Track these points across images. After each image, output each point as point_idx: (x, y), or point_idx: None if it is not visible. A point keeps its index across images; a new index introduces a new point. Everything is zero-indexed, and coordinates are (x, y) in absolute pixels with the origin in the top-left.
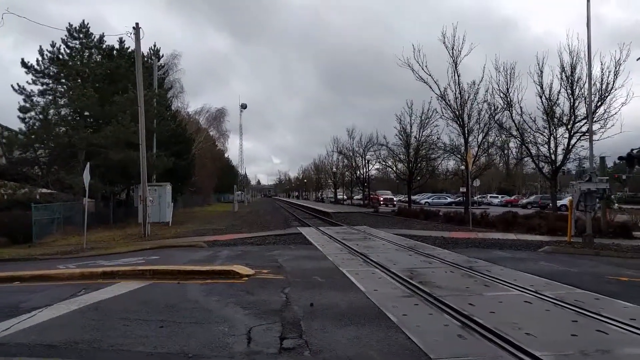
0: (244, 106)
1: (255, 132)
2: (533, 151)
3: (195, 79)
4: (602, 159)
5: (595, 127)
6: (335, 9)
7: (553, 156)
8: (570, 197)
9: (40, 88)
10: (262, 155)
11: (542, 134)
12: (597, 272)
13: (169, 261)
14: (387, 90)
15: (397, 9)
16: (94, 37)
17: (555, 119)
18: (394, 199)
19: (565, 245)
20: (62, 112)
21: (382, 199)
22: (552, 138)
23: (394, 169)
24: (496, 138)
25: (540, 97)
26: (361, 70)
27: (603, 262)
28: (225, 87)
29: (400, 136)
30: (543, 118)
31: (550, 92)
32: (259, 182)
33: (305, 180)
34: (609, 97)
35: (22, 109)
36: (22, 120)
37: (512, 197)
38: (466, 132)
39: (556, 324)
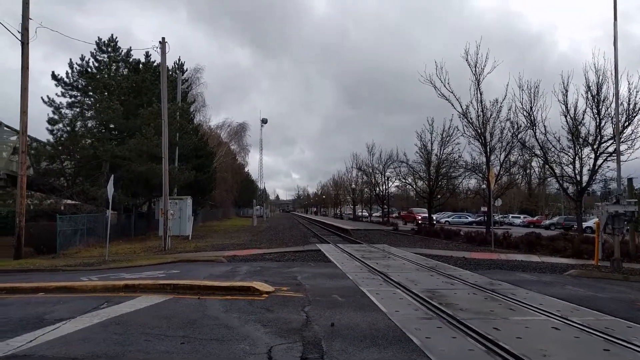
0: (264, 121)
1: (275, 146)
2: (557, 171)
3: (217, 93)
4: (630, 180)
5: (623, 147)
6: (356, 24)
7: (578, 177)
8: (597, 219)
9: (69, 100)
10: (281, 170)
11: (566, 154)
12: (627, 298)
13: (189, 275)
14: (407, 106)
15: (418, 24)
16: (122, 50)
17: (581, 139)
18: (434, 217)
19: (592, 269)
20: (89, 125)
21: (419, 217)
22: (577, 158)
23: (414, 186)
24: (519, 157)
25: (565, 117)
26: (381, 86)
27: (633, 287)
28: (246, 101)
29: (421, 153)
30: (568, 138)
31: (575, 111)
32: (277, 197)
33: (323, 197)
34: (636, 117)
35: (50, 121)
36: (50, 132)
37: (535, 218)
38: (488, 150)
39: (586, 352)
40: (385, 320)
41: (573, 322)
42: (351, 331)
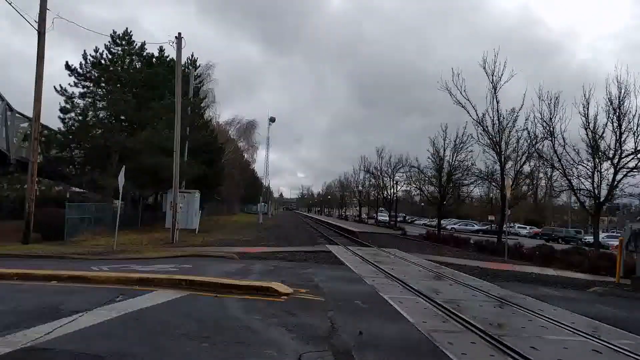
0: (272, 120)
1: (282, 144)
2: (574, 183)
3: (226, 89)
4: None
5: None
6: (372, 20)
7: (597, 191)
8: (619, 236)
9: (82, 90)
10: (286, 168)
11: (585, 167)
12: None
13: (202, 271)
14: (419, 110)
15: (434, 26)
16: (136, 44)
17: (600, 153)
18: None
19: (615, 286)
20: (100, 115)
21: None
22: (596, 172)
23: (424, 191)
24: (537, 168)
25: (586, 129)
26: (393, 88)
27: None
28: (255, 97)
29: (433, 159)
30: (587, 151)
31: (595, 124)
32: (281, 195)
33: (329, 197)
34: None
35: (62, 110)
36: (62, 120)
37: (541, 229)
38: (503, 159)
39: None
40: (414, 332)
41: (614, 345)
42: (381, 342)
